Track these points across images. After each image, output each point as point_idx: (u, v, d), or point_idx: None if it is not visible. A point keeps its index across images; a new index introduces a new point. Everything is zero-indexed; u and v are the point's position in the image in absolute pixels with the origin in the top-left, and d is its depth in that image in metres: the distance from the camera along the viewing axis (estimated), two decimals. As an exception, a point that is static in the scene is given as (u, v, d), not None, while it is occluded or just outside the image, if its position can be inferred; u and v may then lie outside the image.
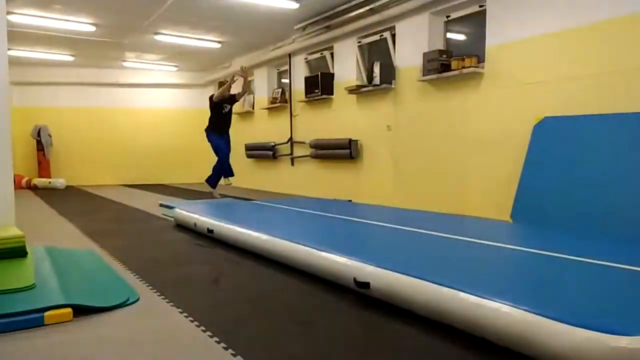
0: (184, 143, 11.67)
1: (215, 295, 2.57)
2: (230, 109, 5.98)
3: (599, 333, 1.52)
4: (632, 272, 2.30)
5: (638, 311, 1.77)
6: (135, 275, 2.96)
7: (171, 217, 5.20)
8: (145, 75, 11.12)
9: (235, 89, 6.41)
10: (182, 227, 4.78)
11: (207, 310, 2.31)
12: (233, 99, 6.00)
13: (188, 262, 3.36)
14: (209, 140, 6.00)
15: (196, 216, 4.46)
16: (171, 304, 2.40)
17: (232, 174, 6.05)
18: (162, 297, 2.52)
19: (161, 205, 6.52)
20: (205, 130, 5.98)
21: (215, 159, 6.65)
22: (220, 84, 5.98)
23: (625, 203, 3.54)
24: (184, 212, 4.76)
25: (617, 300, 1.93)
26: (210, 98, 5.81)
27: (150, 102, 11.43)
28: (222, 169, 6.04)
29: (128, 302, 2.40)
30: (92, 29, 7.45)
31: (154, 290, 2.63)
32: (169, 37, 7.98)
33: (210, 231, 4.09)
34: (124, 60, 10.08)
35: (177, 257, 3.52)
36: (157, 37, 7.99)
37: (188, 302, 2.43)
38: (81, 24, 7.23)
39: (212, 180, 6.02)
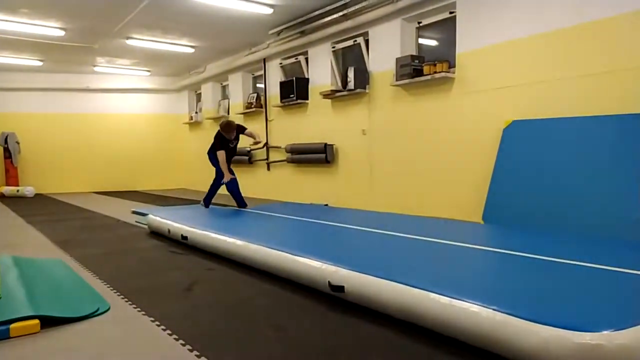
0: (157, 149, 11.51)
1: (189, 303, 2.54)
2: (236, 145, 5.71)
3: (564, 330, 1.57)
4: (596, 270, 2.38)
5: (601, 308, 1.83)
6: (106, 284, 2.90)
7: (144, 224, 5.11)
8: (117, 80, 10.93)
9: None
10: (156, 234, 4.71)
11: (180, 318, 2.28)
12: (242, 130, 5.66)
13: (161, 269, 3.31)
14: (213, 162, 5.71)
15: (170, 222, 4.40)
16: (143, 312, 2.36)
17: (245, 205, 5.77)
18: (134, 306, 2.47)
19: (134, 212, 6.40)
20: (208, 153, 5.68)
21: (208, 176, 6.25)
22: (223, 126, 5.43)
23: (591, 203, 3.66)
24: (157, 219, 4.69)
25: (582, 297, 1.99)
26: (215, 139, 5.50)
27: (122, 108, 11.23)
28: (215, 190, 5.82)
29: (98, 312, 2.35)
30: (61, 33, 7.29)
31: (126, 299, 2.58)
32: (141, 41, 7.87)
33: (185, 238, 4.05)
34: (95, 65, 9.89)
35: (150, 264, 3.46)
36: (129, 42, 7.87)
37: (160, 310, 2.39)
38: (50, 29, 7.06)
39: (207, 199, 5.76)
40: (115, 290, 2.75)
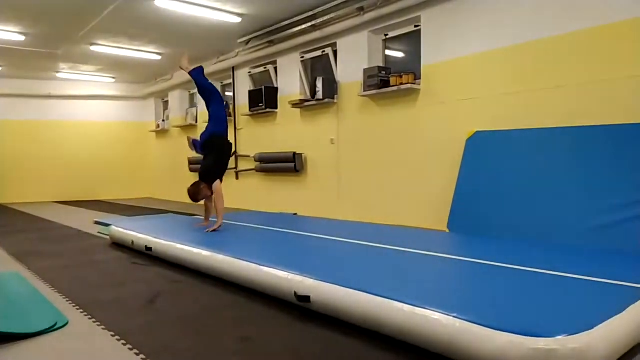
0: (122, 157, 11.25)
1: (151, 316, 2.49)
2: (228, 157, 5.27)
3: (519, 336, 1.62)
4: (552, 277, 2.47)
5: (556, 314, 1.90)
6: (65, 298, 2.81)
7: (107, 235, 4.98)
8: (81, 87, 10.65)
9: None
10: (119, 245, 4.59)
11: (141, 332, 2.23)
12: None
13: (123, 282, 3.23)
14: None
15: (134, 233, 4.30)
16: (102, 327, 2.30)
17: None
18: (93, 320, 2.40)
19: (96, 222, 6.24)
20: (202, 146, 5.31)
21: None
22: (194, 200, 4.70)
23: (549, 212, 3.79)
24: (120, 230, 4.57)
25: (538, 304, 2.05)
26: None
27: (86, 115, 10.93)
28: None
29: (56, 327, 2.27)
30: (22, 38, 7.06)
31: (85, 313, 2.50)
32: (106, 48, 7.71)
33: (149, 249, 3.96)
34: (58, 72, 9.61)
35: (112, 277, 3.37)
36: (93, 48, 7.70)
37: (121, 324, 2.33)
38: (9, 33, 6.83)
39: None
40: (74, 304, 2.67)
